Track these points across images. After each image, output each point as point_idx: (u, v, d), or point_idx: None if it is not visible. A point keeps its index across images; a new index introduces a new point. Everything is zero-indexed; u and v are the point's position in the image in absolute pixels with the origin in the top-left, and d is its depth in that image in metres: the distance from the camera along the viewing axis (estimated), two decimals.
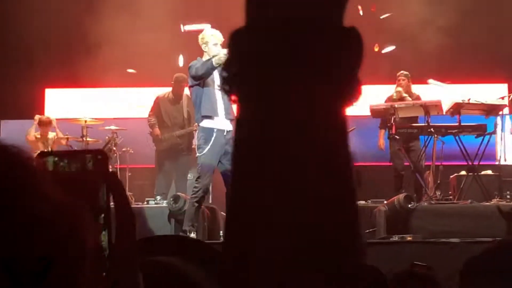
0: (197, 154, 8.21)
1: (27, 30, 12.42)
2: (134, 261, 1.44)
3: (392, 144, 10.16)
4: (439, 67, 12.54)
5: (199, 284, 1.62)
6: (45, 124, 11.44)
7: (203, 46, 8.19)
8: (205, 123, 8.08)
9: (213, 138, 8.00)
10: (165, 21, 11.46)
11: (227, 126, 8.11)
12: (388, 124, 9.74)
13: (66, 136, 11.14)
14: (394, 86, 10.74)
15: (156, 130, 10.72)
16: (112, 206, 1.41)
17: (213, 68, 7.93)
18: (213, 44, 8.10)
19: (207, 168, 8.07)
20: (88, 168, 1.39)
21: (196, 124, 8.76)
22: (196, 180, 8.23)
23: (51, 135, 11.46)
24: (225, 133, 8.07)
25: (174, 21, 11.42)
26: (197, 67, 8.02)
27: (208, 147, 8.01)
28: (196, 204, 8.20)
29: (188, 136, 10.72)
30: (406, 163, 10.16)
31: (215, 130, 8.03)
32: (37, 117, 11.54)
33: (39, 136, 11.42)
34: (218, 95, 8.07)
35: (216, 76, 8.11)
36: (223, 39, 8.17)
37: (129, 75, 12.55)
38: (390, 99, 10.47)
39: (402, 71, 10.64)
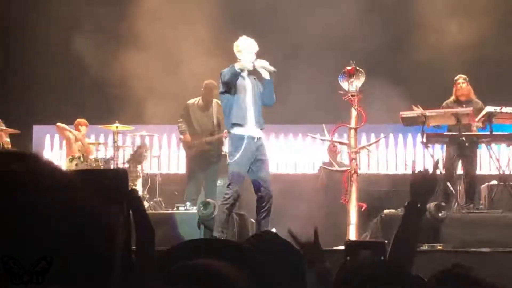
0: (228, 161, 8.24)
1: (62, 34, 12.52)
2: (153, 272, 1.46)
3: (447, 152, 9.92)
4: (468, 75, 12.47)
5: (239, 285, 1.63)
6: (80, 125, 11.66)
7: (237, 54, 8.24)
8: (236, 130, 8.11)
9: (243, 145, 8.02)
10: (197, 27, 11.50)
11: (258, 133, 8.15)
12: (420, 132, 9.67)
13: (97, 142, 11.24)
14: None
15: (187, 136, 10.74)
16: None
17: (236, 74, 7.98)
18: (249, 52, 8.16)
19: (238, 175, 8.09)
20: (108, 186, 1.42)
21: (226, 131, 8.83)
22: (227, 187, 8.24)
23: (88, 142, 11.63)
24: (255, 140, 8.10)
25: (208, 29, 11.46)
26: (224, 73, 8.08)
27: (239, 154, 8.03)
28: (227, 211, 8.21)
29: (217, 142, 10.74)
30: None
31: (245, 137, 8.06)
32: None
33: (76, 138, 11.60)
34: (249, 102, 8.12)
35: (248, 84, 8.16)
36: (257, 48, 8.23)
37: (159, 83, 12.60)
38: (448, 103, 10.21)
39: (457, 75, 10.35)
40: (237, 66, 7.97)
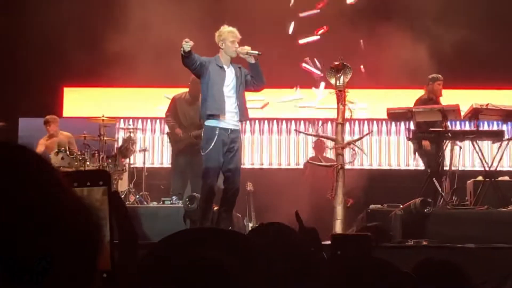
0: (202, 154, 8.14)
1: (46, 28, 12.47)
2: (134, 276, 1.45)
3: (429, 148, 9.91)
4: (458, 71, 12.51)
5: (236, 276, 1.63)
6: (48, 123, 11.58)
7: (220, 44, 8.16)
8: (209, 121, 8.02)
9: (215, 138, 7.93)
10: (185, 20, 11.44)
11: (233, 125, 8.05)
12: (406, 128, 9.70)
13: (84, 135, 11.16)
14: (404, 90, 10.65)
15: (178, 130, 10.68)
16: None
17: (184, 55, 7.83)
18: (230, 41, 8.09)
19: (211, 169, 7.99)
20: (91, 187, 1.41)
21: None
22: (202, 180, 8.16)
23: (62, 134, 11.55)
24: (229, 132, 7.99)
25: (195, 20, 11.43)
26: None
27: (210, 147, 7.93)
28: (203, 205, 8.18)
29: None
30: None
31: (218, 129, 7.96)
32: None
33: (47, 139, 11.51)
34: (227, 93, 8.01)
35: (228, 73, 8.07)
36: (240, 37, 8.16)
37: (145, 75, 12.55)
38: (422, 100, 10.25)
39: (439, 75, 10.46)
40: (185, 46, 7.80)
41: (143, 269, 1.60)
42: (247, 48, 8.06)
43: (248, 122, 11.35)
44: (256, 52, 8.08)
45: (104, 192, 1.42)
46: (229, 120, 8.01)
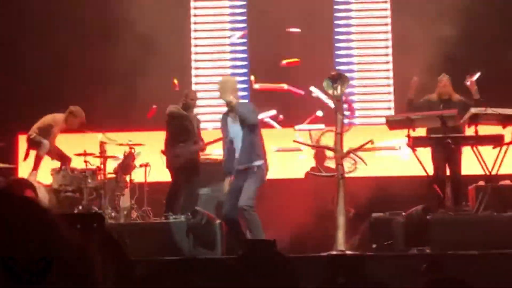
0: None
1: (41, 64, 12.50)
2: None
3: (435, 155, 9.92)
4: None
5: None
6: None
7: None
8: None
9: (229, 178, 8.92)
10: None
11: (243, 166, 8.67)
12: (406, 135, 9.67)
13: (84, 153, 11.13)
14: None
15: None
16: None
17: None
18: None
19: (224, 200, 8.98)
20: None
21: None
22: None
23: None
24: (236, 173, 8.77)
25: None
26: None
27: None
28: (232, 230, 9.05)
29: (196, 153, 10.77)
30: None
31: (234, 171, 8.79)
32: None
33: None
34: (236, 140, 8.71)
35: (231, 122, 8.78)
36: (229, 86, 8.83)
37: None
38: (432, 100, 10.20)
39: (445, 74, 10.38)
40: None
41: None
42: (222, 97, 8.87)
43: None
44: (229, 101, 8.70)
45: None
46: (239, 163, 8.72)
